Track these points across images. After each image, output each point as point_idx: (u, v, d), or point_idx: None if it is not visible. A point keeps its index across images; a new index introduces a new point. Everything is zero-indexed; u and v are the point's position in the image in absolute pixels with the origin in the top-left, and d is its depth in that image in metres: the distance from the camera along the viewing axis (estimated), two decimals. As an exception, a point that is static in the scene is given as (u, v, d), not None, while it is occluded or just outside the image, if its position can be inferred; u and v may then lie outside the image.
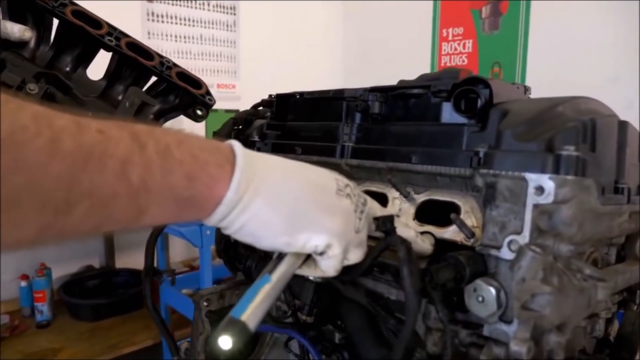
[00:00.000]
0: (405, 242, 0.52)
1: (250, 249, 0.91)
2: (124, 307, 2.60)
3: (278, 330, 0.78)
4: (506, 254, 0.55)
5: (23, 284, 2.53)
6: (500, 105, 0.64)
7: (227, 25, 3.28)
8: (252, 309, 0.45)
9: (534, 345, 0.52)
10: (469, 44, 2.96)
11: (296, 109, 0.93)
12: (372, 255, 0.55)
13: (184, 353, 1.05)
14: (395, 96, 0.76)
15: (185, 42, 3.09)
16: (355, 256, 0.54)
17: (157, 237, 1.02)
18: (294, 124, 0.92)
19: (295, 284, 0.81)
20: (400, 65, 3.16)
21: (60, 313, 2.56)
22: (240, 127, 1.01)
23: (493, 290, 0.55)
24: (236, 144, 0.48)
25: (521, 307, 0.52)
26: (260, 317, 0.46)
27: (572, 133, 0.54)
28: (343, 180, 0.53)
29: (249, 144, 0.97)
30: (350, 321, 0.78)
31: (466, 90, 0.65)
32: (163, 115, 1.05)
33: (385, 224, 0.54)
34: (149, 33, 2.93)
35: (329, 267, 0.52)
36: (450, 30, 3.06)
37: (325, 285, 0.75)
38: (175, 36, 3.05)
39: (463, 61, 2.99)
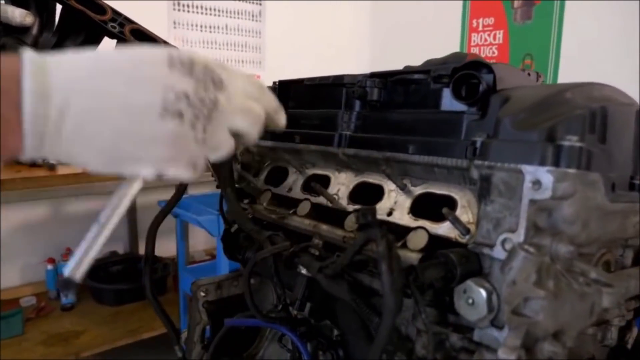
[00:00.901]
0: (386, 236, 0.48)
1: (249, 240, 0.89)
2: (144, 293, 2.64)
3: (266, 325, 0.76)
4: (499, 253, 0.51)
5: (49, 267, 2.60)
6: (503, 91, 0.59)
7: (253, 15, 3.27)
8: (75, 260, 0.41)
9: (525, 354, 0.47)
10: (500, 34, 2.85)
11: (298, 96, 0.90)
12: (352, 250, 0.52)
13: (184, 342, 1.04)
14: (395, 82, 0.71)
15: (210, 32, 3.10)
16: (216, 155, 0.46)
17: (158, 225, 1.01)
18: (294, 112, 0.89)
19: (287, 276, 0.78)
20: (427, 57, 3.07)
21: (84, 297, 2.63)
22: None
23: (484, 293, 0.50)
24: (26, 64, 0.37)
25: (512, 312, 0.48)
26: (88, 263, 0.42)
27: (577, 121, 0.49)
28: (178, 87, 0.41)
29: (250, 131, 0.94)
30: (344, 318, 0.75)
31: (467, 75, 0.60)
32: None
33: (366, 217, 0.50)
34: (174, 23, 2.94)
35: (182, 179, 0.44)
36: (480, 20, 2.95)
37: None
38: (201, 26, 3.06)
39: (493, 53, 2.88)
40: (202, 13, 3.05)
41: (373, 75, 0.73)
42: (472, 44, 3.02)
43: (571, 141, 0.47)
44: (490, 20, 2.90)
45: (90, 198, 2.77)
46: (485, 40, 2.93)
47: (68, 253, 2.61)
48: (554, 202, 0.48)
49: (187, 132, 0.42)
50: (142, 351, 2.37)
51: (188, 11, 2.99)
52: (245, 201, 0.95)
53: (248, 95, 0.47)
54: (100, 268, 2.77)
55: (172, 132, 0.41)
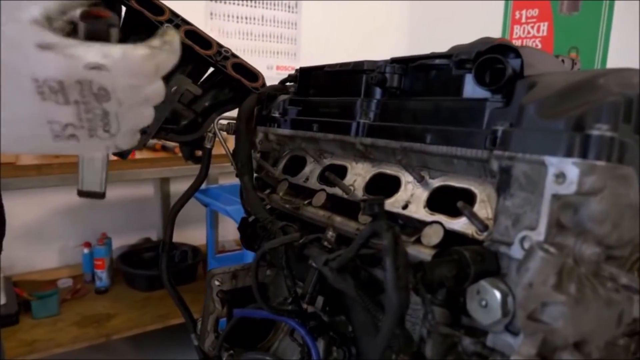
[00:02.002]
0: (392, 229, 0.45)
1: (265, 230, 0.87)
2: (176, 280, 2.67)
3: (274, 317, 0.74)
4: (517, 252, 0.46)
5: (85, 251, 2.69)
6: (531, 77, 0.54)
7: (289, 7, 3.25)
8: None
9: (541, 364, 0.43)
10: (544, 27, 2.71)
11: (318, 83, 0.87)
12: (358, 243, 0.49)
13: (199, 330, 1.04)
14: (416, 68, 0.67)
15: (246, 23, 3.10)
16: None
17: (177, 213, 1.01)
18: (314, 99, 0.86)
19: (301, 269, 0.76)
20: (467, 50, 2.97)
21: (118, 281, 2.70)
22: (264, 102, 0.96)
23: (498, 295, 0.46)
24: None
25: (528, 317, 0.43)
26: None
27: (609, 109, 0.44)
28: (59, 119, 0.39)
29: (269, 119, 0.93)
30: (355, 314, 0.72)
31: (492, 60, 0.56)
32: (215, 110, 1.02)
33: (373, 208, 0.47)
34: (211, 14, 2.96)
35: None
36: (523, 12, 2.82)
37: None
38: (237, 17, 3.06)
39: (536, 45, 2.75)
40: (238, 4, 3.06)
41: (393, 61, 0.70)
42: (515, 36, 2.89)
43: (601, 130, 0.42)
44: (534, 12, 2.76)
45: (124, 185, 2.84)
46: (529, 32, 2.80)
47: (104, 238, 2.69)
48: (580, 197, 0.43)
49: (87, 144, 0.42)
50: (170, 336, 2.41)
51: (225, 2, 3.00)
52: (266, 191, 0.94)
53: (139, 82, 0.44)
54: (133, 254, 2.84)
55: (71, 148, 0.42)
